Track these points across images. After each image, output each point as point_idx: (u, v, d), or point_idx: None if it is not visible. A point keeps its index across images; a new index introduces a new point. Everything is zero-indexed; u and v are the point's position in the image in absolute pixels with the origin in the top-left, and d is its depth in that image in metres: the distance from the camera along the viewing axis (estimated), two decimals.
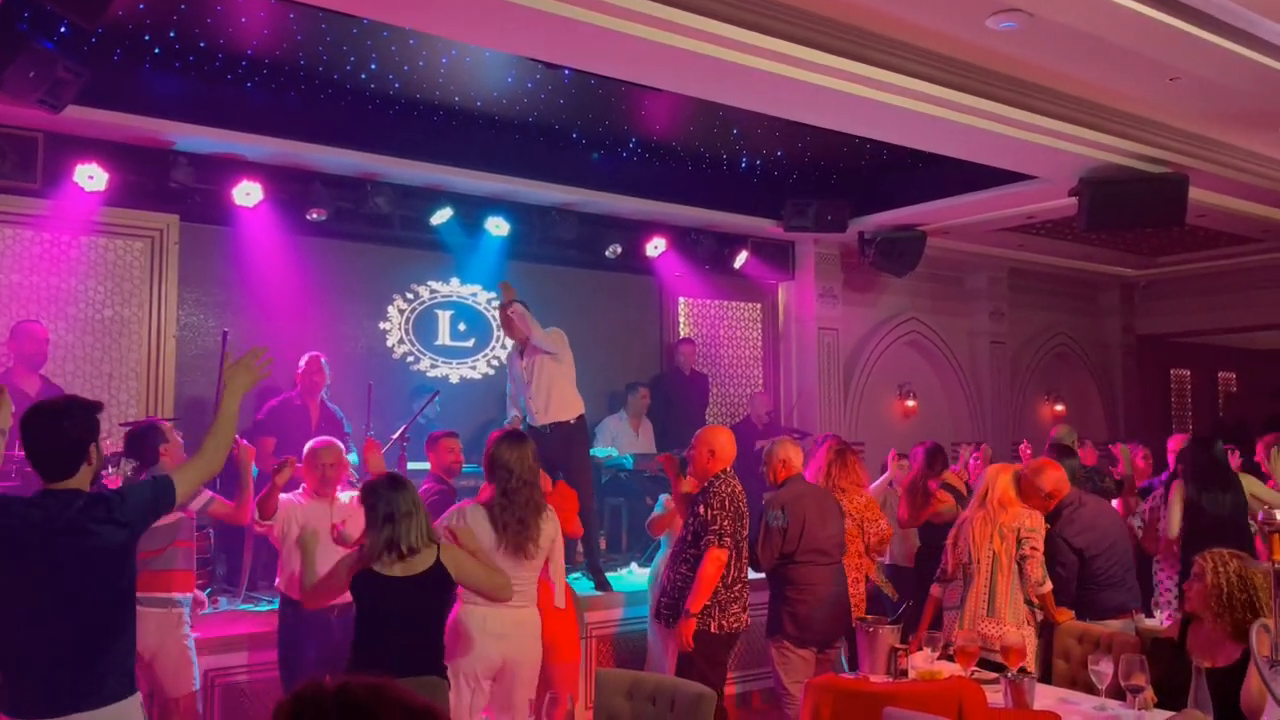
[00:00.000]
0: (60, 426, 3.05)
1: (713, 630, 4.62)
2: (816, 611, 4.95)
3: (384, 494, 3.75)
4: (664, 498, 5.70)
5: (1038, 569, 4.73)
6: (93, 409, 3.18)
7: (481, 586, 3.90)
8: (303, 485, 4.91)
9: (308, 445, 4.99)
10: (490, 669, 4.15)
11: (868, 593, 5.61)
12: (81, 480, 3.10)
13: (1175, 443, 6.74)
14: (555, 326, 6.66)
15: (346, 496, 4.90)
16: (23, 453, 3.30)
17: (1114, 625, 4.80)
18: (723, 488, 4.68)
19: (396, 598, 3.67)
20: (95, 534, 3.01)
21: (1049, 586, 4.79)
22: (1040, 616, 4.80)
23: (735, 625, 4.69)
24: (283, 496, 4.78)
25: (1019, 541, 4.72)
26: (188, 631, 4.64)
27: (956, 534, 4.97)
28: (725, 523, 4.60)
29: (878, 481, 6.79)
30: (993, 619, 4.65)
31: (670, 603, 4.77)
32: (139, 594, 4.21)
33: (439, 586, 3.76)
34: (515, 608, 4.20)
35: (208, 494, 4.74)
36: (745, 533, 4.72)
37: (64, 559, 2.98)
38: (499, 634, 4.16)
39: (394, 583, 3.67)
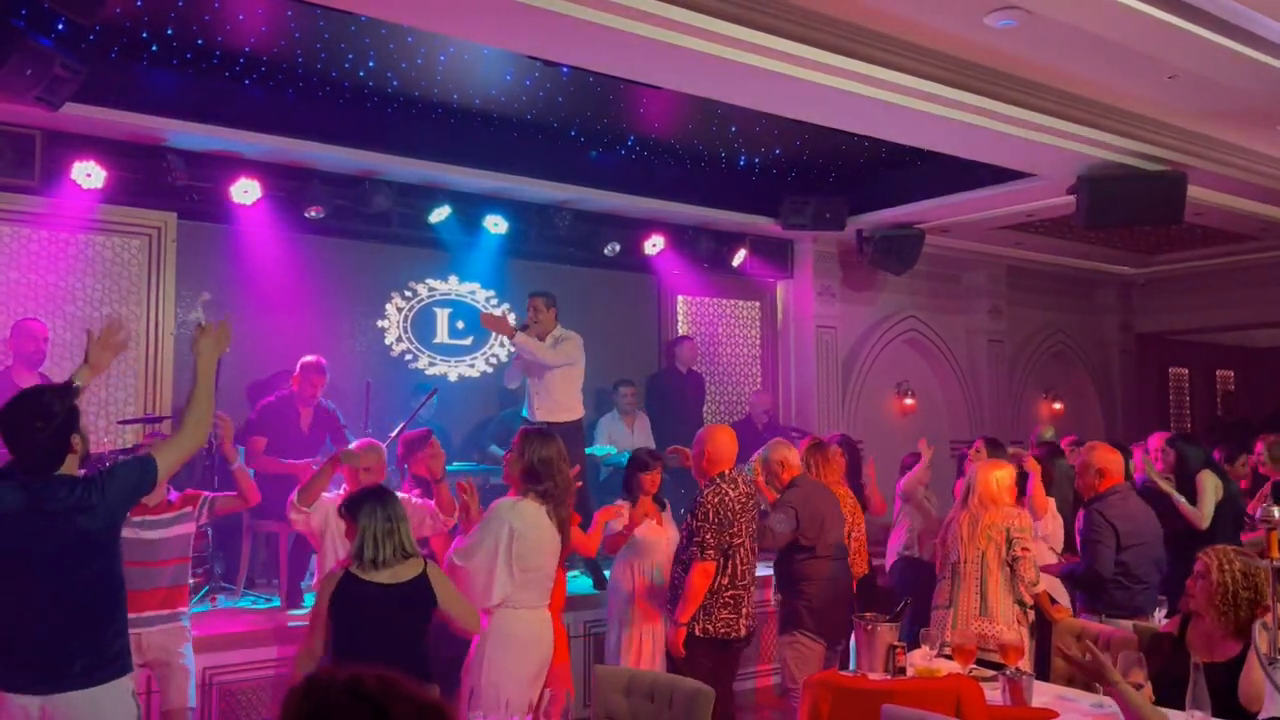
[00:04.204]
0: (34, 425, 3.02)
1: (696, 633, 4.61)
2: (833, 606, 4.97)
3: (368, 507, 3.72)
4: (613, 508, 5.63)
5: (1030, 569, 4.72)
6: (66, 396, 3.13)
7: (462, 615, 3.80)
8: (344, 486, 4.91)
9: (351, 445, 5.06)
10: (542, 672, 4.13)
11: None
12: (70, 467, 3.10)
13: (1156, 441, 6.59)
14: (573, 333, 6.74)
15: None
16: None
17: (1125, 625, 4.70)
18: (710, 497, 4.65)
19: (378, 605, 3.62)
20: (78, 521, 3.02)
21: (1042, 586, 4.79)
22: (1033, 617, 4.80)
23: (725, 631, 4.64)
24: (325, 495, 4.73)
25: (1009, 542, 4.71)
26: (188, 650, 4.60)
27: (944, 533, 4.97)
28: (708, 535, 4.58)
29: (912, 473, 6.72)
30: (985, 618, 4.64)
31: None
32: (152, 612, 4.23)
33: (422, 600, 3.70)
34: (544, 608, 4.19)
35: (206, 496, 4.73)
36: (739, 539, 4.67)
37: (48, 542, 2.99)
38: (546, 638, 4.15)
39: (378, 590, 3.62)
